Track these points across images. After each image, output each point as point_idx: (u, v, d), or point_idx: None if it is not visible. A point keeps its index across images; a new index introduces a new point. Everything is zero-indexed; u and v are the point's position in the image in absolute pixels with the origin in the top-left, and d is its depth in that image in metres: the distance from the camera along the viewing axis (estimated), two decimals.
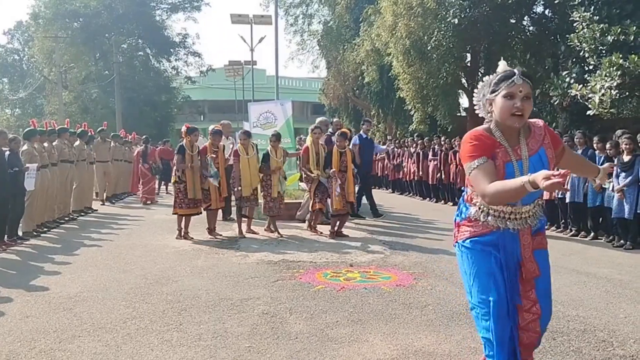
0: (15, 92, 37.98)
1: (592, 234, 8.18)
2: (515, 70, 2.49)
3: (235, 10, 67.41)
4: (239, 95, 39.67)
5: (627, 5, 10.00)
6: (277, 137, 8.48)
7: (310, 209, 8.56)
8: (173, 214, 8.21)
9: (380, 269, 6.07)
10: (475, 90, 2.67)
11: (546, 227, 3.26)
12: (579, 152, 7.93)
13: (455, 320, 4.27)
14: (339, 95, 27.14)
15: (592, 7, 10.29)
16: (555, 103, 11.97)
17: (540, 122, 2.68)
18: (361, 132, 10.95)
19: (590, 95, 9.59)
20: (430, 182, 13.62)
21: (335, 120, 11.01)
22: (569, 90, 10.43)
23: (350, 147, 10.43)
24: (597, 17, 9.94)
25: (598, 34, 9.63)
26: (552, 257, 2.90)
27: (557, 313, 4.12)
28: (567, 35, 10.69)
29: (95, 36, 31.97)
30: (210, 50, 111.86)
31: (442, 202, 13.30)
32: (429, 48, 15.10)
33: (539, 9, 15.55)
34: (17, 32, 40.74)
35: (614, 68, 9.04)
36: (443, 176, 12.96)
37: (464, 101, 20.18)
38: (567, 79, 10.90)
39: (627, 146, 7.46)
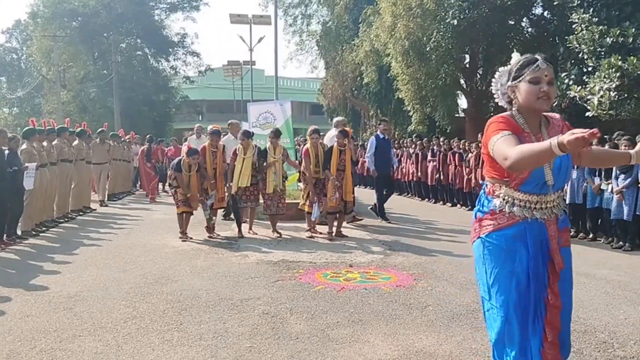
0: (13, 91, 37.92)
1: (590, 235, 8.21)
2: (537, 56, 2.46)
3: (234, 10, 67.54)
4: (237, 95, 39.68)
5: (626, 7, 10.02)
6: (276, 134, 8.37)
7: (306, 209, 8.47)
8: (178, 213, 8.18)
9: (380, 270, 6.08)
10: (493, 80, 2.64)
11: None
12: None
13: (455, 321, 4.28)
14: (337, 95, 27.12)
15: (591, 9, 10.30)
16: (554, 104, 12.00)
17: (557, 115, 2.66)
18: (378, 132, 10.53)
19: (589, 97, 9.60)
20: (429, 183, 13.63)
21: (340, 119, 10.76)
22: (567, 92, 10.44)
23: (367, 148, 10.40)
24: (596, 19, 9.95)
25: (597, 36, 9.65)
26: None
27: None
28: (566, 37, 10.69)
29: (94, 35, 31.94)
30: (208, 50, 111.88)
31: (441, 202, 13.30)
32: (427, 49, 15.10)
33: (538, 10, 15.57)
34: (16, 31, 40.68)
35: (613, 70, 9.06)
36: (442, 177, 12.97)
37: (462, 102, 20.19)
38: (566, 81, 10.92)
39: (626, 148, 7.47)
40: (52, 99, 31.40)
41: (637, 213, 7.29)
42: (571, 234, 8.38)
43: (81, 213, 10.87)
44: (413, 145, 14.87)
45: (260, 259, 6.60)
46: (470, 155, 11.65)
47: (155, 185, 14.43)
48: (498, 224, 2.55)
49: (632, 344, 3.83)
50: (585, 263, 6.48)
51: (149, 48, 33.99)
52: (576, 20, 10.17)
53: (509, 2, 14.05)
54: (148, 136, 15.63)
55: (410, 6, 15.02)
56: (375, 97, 22.79)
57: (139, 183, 16.08)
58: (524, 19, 15.96)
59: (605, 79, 9.22)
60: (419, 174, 14.05)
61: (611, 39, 9.45)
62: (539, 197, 2.51)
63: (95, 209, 11.70)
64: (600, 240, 8.04)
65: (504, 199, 2.54)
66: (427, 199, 14.00)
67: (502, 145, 2.36)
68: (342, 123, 9.78)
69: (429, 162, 13.56)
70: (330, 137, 9.30)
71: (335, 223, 8.19)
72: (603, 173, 7.88)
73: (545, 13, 15.24)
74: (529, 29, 16.05)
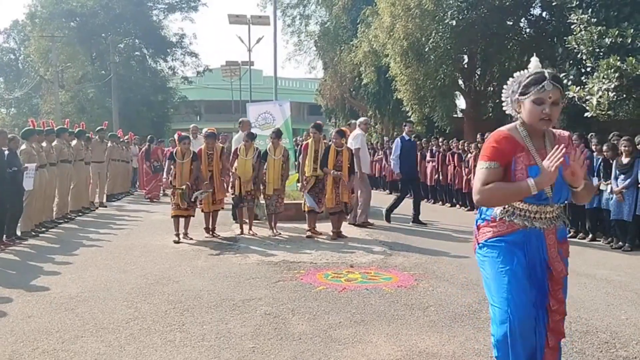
0: (11, 91, 37.83)
1: (590, 235, 8.22)
2: (546, 74, 2.47)
3: (233, 10, 67.57)
4: (235, 96, 39.68)
5: (625, 8, 10.03)
6: (277, 134, 8.39)
7: (305, 210, 8.47)
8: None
9: (381, 270, 6.08)
10: (505, 87, 2.66)
11: None
12: None
13: (458, 322, 4.28)
14: (335, 96, 27.10)
15: (590, 10, 10.32)
16: None
17: (566, 133, 2.69)
18: (404, 134, 10.29)
19: (587, 97, 9.62)
20: (428, 184, 13.64)
21: (363, 119, 10.36)
22: (566, 92, 10.45)
23: (393, 150, 10.31)
24: (595, 20, 9.97)
25: (595, 36, 9.67)
26: None
27: None
28: (564, 38, 10.71)
29: (92, 36, 31.85)
30: (207, 50, 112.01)
31: (440, 203, 13.33)
32: (426, 49, 15.10)
33: (537, 11, 15.57)
34: (14, 32, 40.63)
35: (612, 70, 9.08)
36: (441, 177, 12.99)
37: (461, 103, 20.22)
38: (565, 81, 10.92)
39: (626, 148, 7.49)
40: (50, 99, 31.33)
41: (637, 213, 7.31)
42: (571, 234, 8.45)
43: (80, 214, 10.86)
44: None
45: (261, 260, 6.60)
46: (469, 155, 11.66)
47: (157, 185, 14.40)
48: (498, 231, 2.62)
49: (634, 344, 3.84)
50: (585, 263, 6.49)
51: (147, 48, 33.94)
52: (575, 21, 10.19)
53: (508, 3, 14.06)
54: (149, 136, 15.77)
55: (409, 6, 15.03)
56: (374, 97, 22.79)
57: (138, 184, 16.09)
58: (523, 20, 15.96)
59: (603, 80, 9.23)
60: (418, 174, 14.04)
61: (610, 40, 9.47)
62: (538, 207, 2.56)
63: (94, 210, 11.69)
64: (600, 241, 8.06)
65: (504, 208, 2.60)
66: (425, 200, 13.99)
67: (479, 178, 2.51)
68: (365, 123, 9.79)
69: (428, 162, 13.56)
70: (354, 135, 9.32)
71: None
72: (602, 173, 7.91)
73: (544, 13, 15.26)
74: (528, 30, 16.06)
